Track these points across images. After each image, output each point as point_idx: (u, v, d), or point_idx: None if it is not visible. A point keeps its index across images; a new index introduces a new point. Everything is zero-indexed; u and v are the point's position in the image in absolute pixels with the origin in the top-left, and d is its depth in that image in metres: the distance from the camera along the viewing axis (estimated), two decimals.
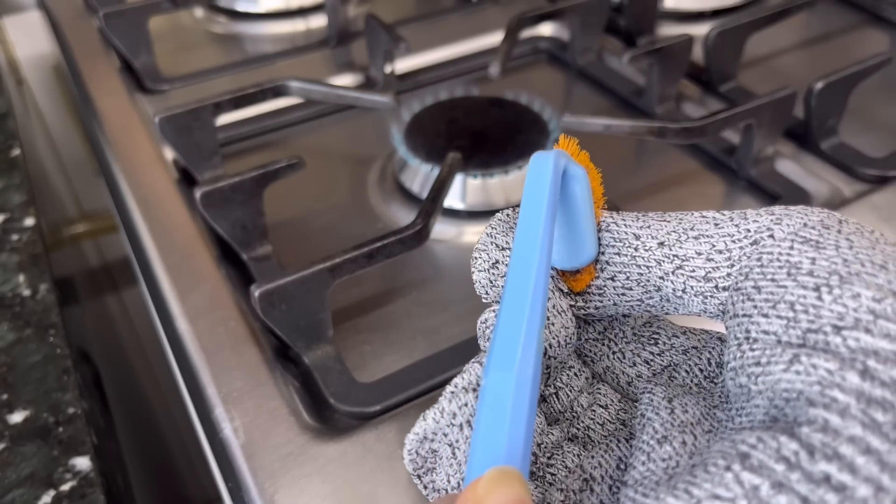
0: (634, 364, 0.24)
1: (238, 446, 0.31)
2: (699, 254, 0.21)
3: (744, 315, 0.19)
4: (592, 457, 0.22)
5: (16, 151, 0.52)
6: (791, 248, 0.19)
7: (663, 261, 0.21)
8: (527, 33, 0.60)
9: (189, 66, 0.60)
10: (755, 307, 0.19)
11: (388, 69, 0.56)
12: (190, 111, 0.46)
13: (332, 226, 0.46)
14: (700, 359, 0.23)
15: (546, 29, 0.63)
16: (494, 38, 0.61)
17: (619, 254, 0.22)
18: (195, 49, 0.64)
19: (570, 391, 0.24)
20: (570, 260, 0.23)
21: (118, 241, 0.59)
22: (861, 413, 0.16)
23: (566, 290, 0.24)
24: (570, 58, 0.60)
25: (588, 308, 0.23)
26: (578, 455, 0.22)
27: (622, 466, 0.22)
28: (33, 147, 0.66)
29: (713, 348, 0.23)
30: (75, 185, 0.75)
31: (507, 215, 0.24)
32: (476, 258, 0.24)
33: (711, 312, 0.21)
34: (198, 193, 0.39)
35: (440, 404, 0.21)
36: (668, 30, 0.63)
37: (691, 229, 0.21)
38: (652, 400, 0.21)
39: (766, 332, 0.18)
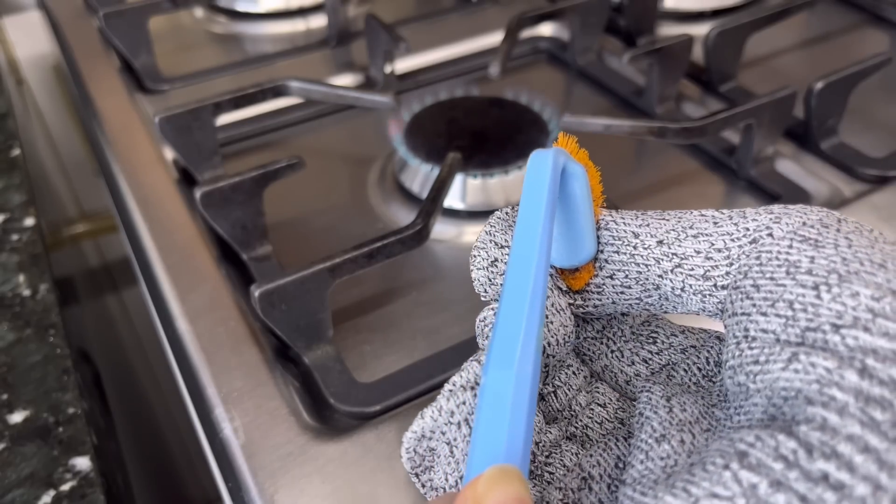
0: (633, 363, 0.24)
1: (238, 446, 0.31)
2: (698, 252, 0.21)
3: (742, 313, 0.19)
4: (591, 455, 0.22)
5: (16, 151, 0.52)
6: (790, 246, 0.19)
7: (662, 259, 0.21)
8: (527, 33, 0.60)
9: (189, 66, 0.60)
10: (754, 306, 0.19)
11: (388, 69, 0.56)
12: (190, 111, 0.46)
13: (332, 226, 0.46)
14: (699, 357, 0.23)
15: (546, 29, 0.63)
16: (494, 38, 0.61)
17: (617, 252, 0.22)
18: (195, 49, 0.65)
19: (569, 390, 0.24)
20: (569, 258, 0.23)
21: (118, 241, 0.59)
22: (859, 411, 0.16)
23: (565, 289, 0.24)
24: (570, 58, 0.60)
25: (587, 306, 0.23)
26: (577, 454, 0.22)
27: (620, 465, 0.22)
28: (33, 147, 0.66)
29: (712, 347, 0.23)
30: (75, 185, 0.75)
31: (507, 213, 0.24)
32: (475, 256, 0.24)
33: (710, 311, 0.21)
34: (198, 193, 0.39)
35: (438, 402, 0.21)
36: (668, 30, 0.63)
37: (690, 228, 0.21)
38: (650, 398, 0.21)
39: (764, 331, 0.18)
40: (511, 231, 0.24)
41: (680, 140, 0.45)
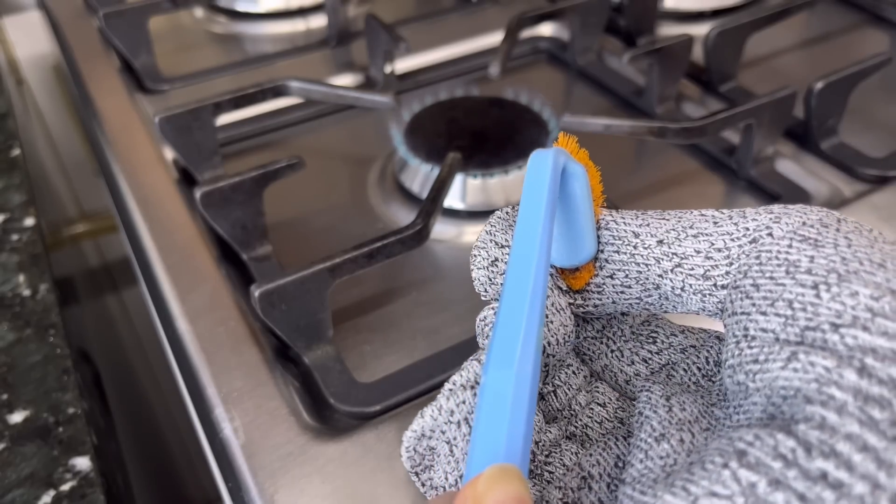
0: (633, 362, 0.24)
1: (238, 446, 0.31)
2: (698, 252, 0.21)
3: (742, 313, 0.19)
4: (590, 455, 0.22)
5: (16, 151, 0.52)
6: (790, 246, 0.19)
7: (662, 259, 0.21)
8: (527, 33, 0.60)
9: (189, 66, 0.60)
10: (753, 305, 0.19)
11: (388, 69, 0.56)
12: (190, 111, 0.46)
13: (332, 226, 0.46)
14: (698, 357, 0.23)
15: (546, 29, 0.63)
16: (494, 38, 0.61)
17: (618, 252, 0.22)
18: (195, 49, 0.65)
19: (569, 389, 0.24)
20: (570, 258, 0.23)
21: (118, 241, 0.59)
22: (858, 410, 0.16)
23: (565, 288, 0.24)
24: (570, 58, 0.60)
25: (587, 306, 0.23)
26: (576, 453, 0.22)
27: (620, 464, 0.22)
28: (33, 147, 0.66)
29: (711, 347, 0.23)
30: (75, 185, 0.75)
31: (507, 213, 0.24)
32: (475, 256, 0.24)
33: (710, 311, 0.21)
34: (198, 193, 0.39)
35: (438, 402, 0.21)
36: (668, 30, 0.63)
37: (690, 227, 0.21)
38: (650, 398, 0.21)
39: (764, 330, 0.18)
40: (511, 231, 0.24)
41: (680, 140, 0.45)
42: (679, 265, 0.21)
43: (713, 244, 0.21)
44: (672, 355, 0.23)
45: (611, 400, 0.24)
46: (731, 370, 0.19)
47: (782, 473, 0.16)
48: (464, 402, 0.21)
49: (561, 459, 0.22)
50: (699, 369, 0.23)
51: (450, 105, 0.50)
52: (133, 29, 0.58)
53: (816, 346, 0.17)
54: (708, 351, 0.23)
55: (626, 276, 0.22)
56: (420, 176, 0.46)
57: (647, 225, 0.22)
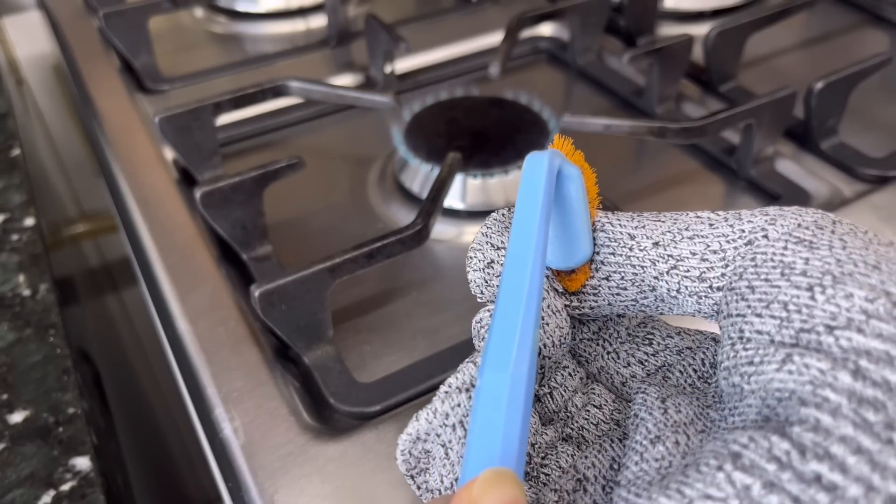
0: (629, 364, 0.24)
1: (238, 446, 0.31)
2: (694, 254, 0.21)
3: (737, 315, 0.19)
4: (586, 457, 0.22)
5: (16, 151, 0.52)
6: (785, 248, 0.19)
7: (658, 261, 0.21)
8: (527, 33, 0.60)
9: (189, 66, 0.60)
10: (749, 307, 0.19)
11: (388, 69, 0.56)
12: (190, 111, 0.46)
13: (332, 226, 0.46)
14: (694, 359, 0.23)
15: (546, 29, 0.63)
16: (494, 38, 0.61)
17: (613, 254, 0.22)
18: (195, 49, 0.65)
19: (565, 391, 0.24)
20: (566, 260, 0.23)
21: (118, 241, 0.59)
22: (852, 413, 0.16)
23: (561, 290, 0.24)
24: (570, 58, 0.60)
25: (583, 308, 0.24)
26: (572, 455, 0.22)
27: (616, 466, 0.22)
28: (33, 147, 0.66)
29: (707, 349, 0.23)
30: (75, 185, 0.75)
31: (503, 215, 0.24)
32: (471, 258, 0.24)
33: (706, 313, 0.21)
34: (198, 193, 0.39)
35: (433, 405, 0.21)
36: (668, 30, 0.63)
37: (686, 229, 0.21)
38: (645, 400, 0.21)
39: (759, 332, 0.18)
40: (507, 233, 0.24)
41: (680, 140, 0.45)
42: (675, 267, 0.21)
43: (709, 246, 0.21)
44: (668, 357, 0.24)
45: (607, 402, 0.24)
46: (727, 372, 0.19)
47: (776, 476, 0.16)
48: (459, 405, 0.21)
49: (557, 462, 0.22)
50: (695, 371, 0.23)
51: (450, 105, 0.50)
52: (133, 29, 0.58)
53: (811, 348, 0.17)
54: (704, 353, 0.23)
55: (622, 278, 0.22)
56: (420, 176, 0.46)
57: (643, 227, 0.22)
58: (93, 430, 0.35)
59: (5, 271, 0.43)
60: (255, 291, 0.33)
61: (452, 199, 0.45)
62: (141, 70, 0.58)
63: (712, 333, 0.24)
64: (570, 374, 0.24)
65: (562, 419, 0.24)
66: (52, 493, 0.32)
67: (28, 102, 0.74)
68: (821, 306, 0.17)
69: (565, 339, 0.23)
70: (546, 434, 0.23)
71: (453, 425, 0.21)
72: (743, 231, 0.20)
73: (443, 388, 0.21)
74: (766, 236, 0.20)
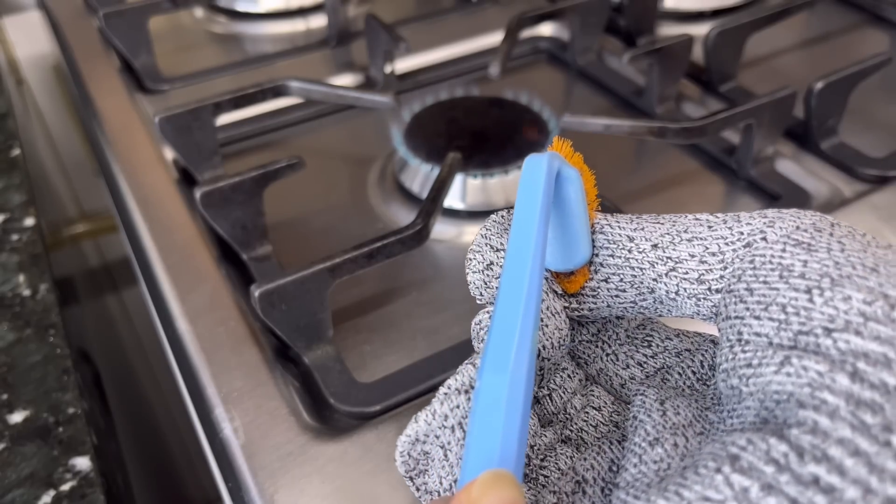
0: (628, 366, 0.24)
1: (238, 446, 0.31)
2: (692, 256, 0.21)
3: (736, 317, 0.19)
4: (585, 459, 0.22)
5: (16, 151, 0.52)
6: (783, 250, 0.19)
7: (657, 263, 0.21)
8: (527, 33, 0.60)
9: (189, 66, 0.60)
10: (747, 309, 0.19)
11: (388, 69, 0.56)
12: (190, 111, 0.46)
13: (332, 226, 0.46)
14: (693, 361, 0.23)
15: (546, 29, 0.63)
16: (494, 38, 0.61)
17: (612, 256, 0.22)
18: (195, 49, 0.65)
19: (564, 393, 0.24)
20: (564, 262, 0.23)
21: (118, 241, 0.59)
22: (850, 415, 0.16)
23: (560, 292, 0.24)
24: (570, 58, 0.60)
25: (582, 310, 0.24)
26: (571, 457, 0.22)
27: (614, 468, 0.22)
28: (33, 147, 0.66)
29: (706, 351, 0.23)
30: (75, 185, 0.75)
31: (502, 217, 0.24)
32: (471, 259, 0.24)
33: (704, 315, 0.21)
34: (198, 193, 0.39)
35: (432, 406, 0.21)
36: (668, 30, 0.63)
37: (685, 231, 0.21)
38: (644, 402, 0.21)
39: (757, 334, 0.18)
40: (506, 234, 0.24)
41: (680, 140, 0.45)
42: (673, 269, 0.21)
43: (707, 248, 0.21)
44: (667, 359, 0.24)
45: (606, 403, 0.24)
46: (725, 374, 0.19)
47: (774, 478, 0.16)
48: (458, 407, 0.21)
49: (556, 463, 0.22)
50: (694, 373, 0.23)
51: (450, 105, 0.50)
52: (133, 29, 0.58)
53: (809, 350, 0.17)
54: (703, 355, 0.23)
55: (621, 279, 0.22)
56: (420, 176, 0.46)
57: (642, 229, 0.22)
58: (93, 430, 0.35)
59: (5, 271, 0.43)
60: (255, 291, 0.33)
61: (452, 199, 0.45)
62: (141, 70, 0.58)
63: (711, 335, 0.24)
64: (569, 376, 0.24)
65: (561, 421, 0.24)
66: (52, 493, 0.32)
67: (28, 102, 0.74)
68: (819, 309, 0.17)
69: (564, 340, 0.23)
70: (545, 436, 0.23)
71: (452, 427, 0.21)
72: (741, 233, 0.20)
73: (442, 390, 0.21)
74: (764, 239, 0.20)
